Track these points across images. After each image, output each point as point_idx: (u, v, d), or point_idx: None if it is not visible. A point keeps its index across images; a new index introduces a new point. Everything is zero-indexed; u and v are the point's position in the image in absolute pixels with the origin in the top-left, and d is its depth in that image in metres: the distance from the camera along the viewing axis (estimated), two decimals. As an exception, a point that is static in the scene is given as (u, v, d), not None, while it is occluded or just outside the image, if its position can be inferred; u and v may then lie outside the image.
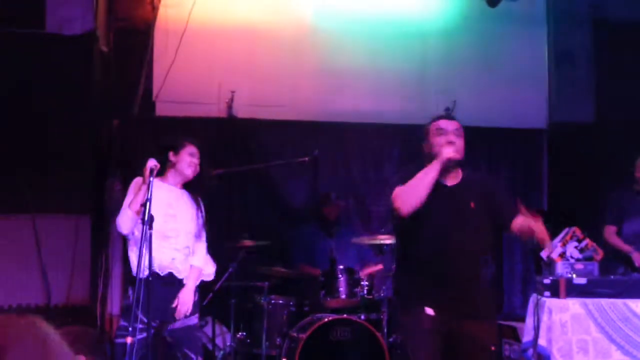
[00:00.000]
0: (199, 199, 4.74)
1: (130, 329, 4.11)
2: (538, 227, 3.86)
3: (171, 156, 4.64)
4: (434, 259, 3.93)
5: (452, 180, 4.03)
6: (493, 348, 6.04)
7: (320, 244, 6.49)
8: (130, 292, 4.43)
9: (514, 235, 4.08)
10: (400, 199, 3.84)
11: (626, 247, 5.88)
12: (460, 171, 4.07)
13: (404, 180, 3.95)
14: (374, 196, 7.21)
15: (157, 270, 4.37)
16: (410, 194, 3.83)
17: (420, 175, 3.86)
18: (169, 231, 4.48)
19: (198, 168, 4.70)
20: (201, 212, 4.70)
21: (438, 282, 3.92)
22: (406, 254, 4.15)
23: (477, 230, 3.98)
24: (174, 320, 4.49)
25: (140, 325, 4.19)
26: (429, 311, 3.91)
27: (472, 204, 3.97)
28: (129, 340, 4.05)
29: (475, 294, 3.98)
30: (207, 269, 4.87)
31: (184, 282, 4.55)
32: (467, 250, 3.95)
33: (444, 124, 4.02)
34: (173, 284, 4.50)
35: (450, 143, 3.92)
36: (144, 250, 4.10)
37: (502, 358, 6.21)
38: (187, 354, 4.50)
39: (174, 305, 4.48)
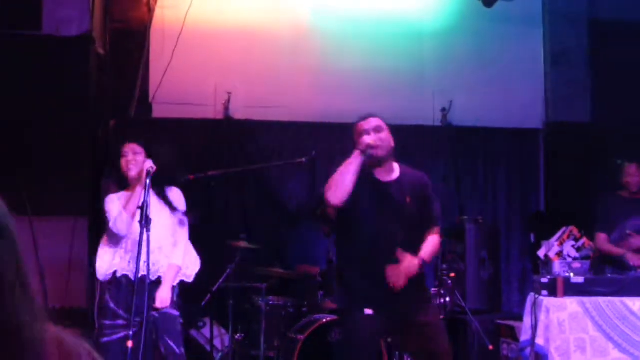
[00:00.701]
0: (168, 194, 4.70)
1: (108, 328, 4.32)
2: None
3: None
4: (368, 255, 3.99)
5: (387, 176, 4.10)
6: (491, 347, 6.11)
7: (318, 244, 6.48)
8: (106, 291, 4.48)
9: None
10: (329, 191, 3.96)
11: (618, 250, 5.88)
12: (395, 167, 4.15)
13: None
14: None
15: (129, 275, 4.41)
16: (336, 185, 3.94)
17: (342, 166, 3.97)
18: (140, 235, 4.48)
19: (140, 163, 4.57)
20: (176, 209, 4.68)
21: (374, 280, 3.95)
22: (342, 254, 4.24)
23: (412, 225, 4.06)
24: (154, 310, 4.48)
25: (121, 322, 4.27)
26: (368, 311, 3.94)
27: (408, 198, 4.05)
28: (130, 344, 4.09)
29: (412, 289, 3.98)
30: (190, 269, 4.84)
31: (161, 279, 4.55)
32: (401, 244, 3.98)
33: (363, 124, 4.11)
34: (153, 286, 4.49)
35: (373, 142, 4.00)
36: (141, 252, 4.19)
37: (500, 357, 6.21)
38: (169, 344, 4.48)
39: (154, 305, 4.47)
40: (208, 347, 6.06)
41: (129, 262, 4.46)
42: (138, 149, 4.66)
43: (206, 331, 6.21)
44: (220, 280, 5.96)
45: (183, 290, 6.69)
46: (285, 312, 6.09)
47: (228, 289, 5.93)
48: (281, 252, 6.66)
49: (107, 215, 4.52)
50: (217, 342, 6.13)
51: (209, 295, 5.98)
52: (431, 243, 4.09)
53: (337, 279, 4.34)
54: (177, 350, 4.50)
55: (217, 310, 6.09)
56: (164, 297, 4.50)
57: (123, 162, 4.62)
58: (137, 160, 4.61)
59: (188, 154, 6.99)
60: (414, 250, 4.03)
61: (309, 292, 6.17)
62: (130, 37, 7.09)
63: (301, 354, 5.52)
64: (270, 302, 6.05)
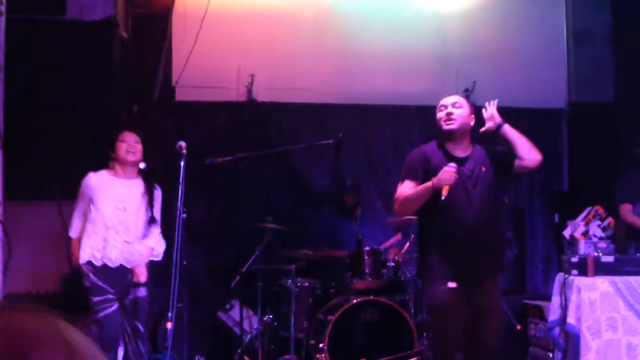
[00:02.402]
0: (154, 184, 4.96)
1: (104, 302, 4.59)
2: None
3: (110, 152, 4.89)
4: (451, 231, 4.17)
5: (463, 152, 4.33)
6: (519, 327, 6.14)
7: (345, 226, 6.51)
8: (90, 273, 4.61)
9: (520, 171, 4.46)
10: (399, 205, 4.31)
11: None
12: (469, 143, 4.40)
13: (408, 174, 4.36)
14: (395, 178, 7.20)
15: (108, 264, 4.56)
16: (408, 205, 4.29)
17: (419, 191, 4.19)
18: (119, 224, 4.70)
19: (139, 152, 4.88)
20: (155, 198, 4.91)
21: (457, 252, 4.13)
22: (425, 230, 4.39)
23: (491, 195, 4.26)
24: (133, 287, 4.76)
25: (111, 296, 4.60)
26: (452, 284, 4.07)
27: (484, 168, 4.26)
28: (169, 325, 4.19)
29: (492, 256, 4.24)
30: (158, 249, 5.04)
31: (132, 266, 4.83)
32: (481, 216, 4.18)
33: (444, 100, 4.41)
34: (125, 271, 4.77)
35: (448, 115, 4.31)
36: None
37: (528, 337, 6.24)
38: (135, 325, 4.79)
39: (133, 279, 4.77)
40: (237, 330, 6.10)
41: (105, 248, 4.68)
42: (138, 139, 4.93)
43: (235, 313, 6.24)
44: (249, 262, 5.99)
45: (210, 273, 6.78)
46: (314, 293, 6.12)
47: (256, 270, 5.97)
48: (309, 234, 6.67)
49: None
50: (245, 324, 6.16)
51: (237, 277, 6.01)
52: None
53: (420, 255, 4.51)
54: (142, 330, 4.81)
55: (246, 292, 6.12)
56: (142, 272, 4.77)
57: (123, 146, 4.79)
58: (136, 149, 4.88)
59: (212, 137, 7.01)
60: (493, 219, 4.25)
61: (337, 273, 6.20)
62: (153, 21, 7.06)
63: (332, 334, 5.56)
64: (299, 284, 6.07)
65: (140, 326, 4.79)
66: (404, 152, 7.31)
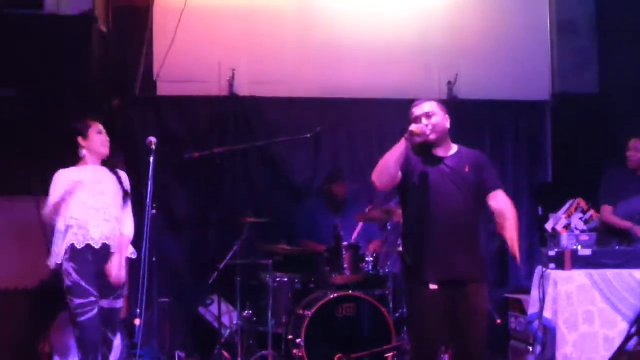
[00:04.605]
0: (118, 172, 4.95)
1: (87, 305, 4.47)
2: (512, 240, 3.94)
3: (81, 141, 4.80)
4: (430, 230, 4.04)
5: (445, 152, 4.17)
6: (499, 321, 6.12)
7: (325, 220, 6.47)
8: (71, 271, 4.54)
9: (489, 212, 4.13)
10: (375, 174, 4.08)
11: (625, 224, 5.85)
12: (453, 146, 4.22)
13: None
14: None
15: (92, 244, 4.52)
16: (381, 170, 4.05)
17: (389, 152, 4.04)
18: (98, 204, 4.68)
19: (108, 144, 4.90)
20: (123, 183, 4.89)
21: (436, 253, 4.00)
22: (407, 228, 4.27)
23: (472, 194, 4.09)
24: (111, 292, 4.66)
25: (93, 298, 4.49)
26: (433, 286, 3.97)
27: (467, 167, 4.11)
28: (137, 322, 4.17)
29: (472, 258, 4.06)
30: (130, 234, 4.98)
31: (113, 251, 4.71)
32: (462, 216, 4.05)
33: (415, 110, 4.18)
34: (106, 256, 4.66)
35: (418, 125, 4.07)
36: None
37: (508, 330, 6.22)
38: (108, 336, 4.71)
39: (111, 279, 4.65)
40: (216, 324, 6.08)
41: (89, 229, 4.61)
42: (103, 129, 4.92)
43: (214, 308, 6.23)
44: (228, 257, 5.97)
45: (190, 268, 6.76)
46: (293, 288, 6.11)
47: (235, 265, 5.94)
48: (287, 229, 6.64)
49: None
50: (225, 319, 6.15)
51: (216, 273, 5.99)
52: (511, 223, 4.00)
53: (402, 253, 4.37)
54: (111, 339, 4.75)
55: (225, 287, 6.10)
56: (119, 273, 4.66)
57: (100, 138, 4.82)
58: (107, 140, 4.90)
59: (193, 131, 6.98)
60: (474, 220, 4.11)
61: (316, 268, 6.17)
62: (134, 15, 7.03)
63: (309, 329, 5.54)
64: (278, 279, 6.06)
65: (111, 337, 4.74)
66: (386, 147, 7.30)
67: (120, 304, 4.78)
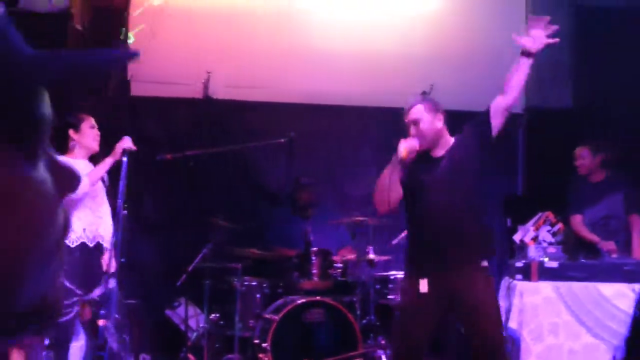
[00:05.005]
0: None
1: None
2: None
3: (72, 134, 4.78)
4: (427, 230, 4.03)
5: (441, 151, 4.13)
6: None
7: (295, 226, 6.47)
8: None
9: (497, 115, 4.24)
10: (378, 202, 4.11)
11: (593, 237, 5.92)
12: (449, 141, 4.17)
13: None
14: (351, 179, 7.21)
15: (87, 242, 4.48)
16: (379, 196, 4.07)
17: (381, 177, 4.05)
18: (91, 201, 4.70)
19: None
20: (104, 180, 4.90)
21: (432, 251, 3.99)
22: (408, 227, 4.29)
23: (469, 190, 4.06)
24: (98, 281, 4.64)
25: (75, 299, 4.35)
26: (423, 287, 3.94)
27: (460, 154, 4.07)
28: (101, 322, 4.13)
29: (467, 248, 4.03)
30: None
31: (106, 246, 4.71)
32: (457, 213, 4.01)
33: (405, 116, 4.15)
34: (98, 252, 4.66)
35: (406, 139, 4.06)
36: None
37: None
38: (112, 315, 4.63)
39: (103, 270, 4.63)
40: (183, 327, 6.06)
41: (84, 229, 4.52)
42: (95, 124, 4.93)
43: (181, 311, 6.20)
44: (196, 260, 5.95)
45: (159, 270, 6.73)
46: (261, 292, 6.10)
47: (204, 268, 5.93)
48: (259, 233, 6.64)
49: None
50: (192, 322, 6.13)
51: (184, 275, 5.97)
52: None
53: (405, 249, 4.39)
54: (119, 318, 4.72)
55: (193, 290, 6.08)
56: (111, 262, 4.64)
57: (93, 133, 4.74)
58: (99, 134, 4.94)
59: (168, 133, 6.96)
60: (472, 217, 4.05)
61: (285, 273, 6.17)
62: (110, 14, 7.01)
63: (276, 334, 5.53)
64: (246, 283, 6.05)
65: (117, 315, 4.67)
66: (362, 153, 7.33)
67: (112, 283, 4.68)
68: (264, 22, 7.30)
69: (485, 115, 4.15)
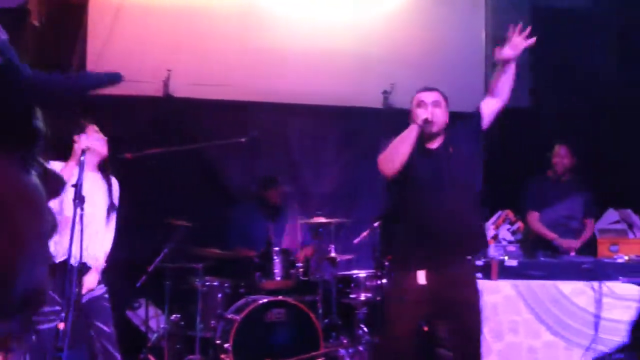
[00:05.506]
0: (111, 178, 4.75)
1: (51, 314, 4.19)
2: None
3: (78, 140, 4.58)
4: (421, 219, 4.04)
5: (435, 143, 4.17)
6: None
7: (257, 225, 6.45)
8: None
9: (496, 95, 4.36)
10: (384, 161, 4.06)
11: (551, 235, 6.00)
12: (443, 133, 4.21)
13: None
14: (313, 178, 7.21)
15: (70, 261, 4.29)
16: (392, 156, 4.02)
17: (400, 137, 4.04)
18: (82, 218, 4.32)
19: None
20: (112, 193, 4.69)
21: (426, 242, 4.01)
22: (397, 218, 4.25)
23: (461, 183, 4.12)
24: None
25: (58, 307, 4.20)
26: (421, 279, 3.96)
27: (451, 149, 4.12)
28: (61, 325, 4.01)
29: (458, 240, 4.07)
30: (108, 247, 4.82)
31: (90, 266, 4.54)
32: (451, 205, 4.03)
33: (423, 96, 4.20)
34: (82, 272, 4.44)
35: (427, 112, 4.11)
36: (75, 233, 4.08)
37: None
38: (100, 327, 4.47)
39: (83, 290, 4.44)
40: (143, 328, 6.00)
41: (70, 247, 4.30)
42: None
43: (141, 312, 6.14)
44: (157, 260, 5.89)
45: (118, 270, 6.63)
46: (223, 292, 6.07)
47: (164, 269, 5.87)
48: (220, 233, 6.59)
49: None
50: (152, 323, 6.08)
51: (144, 276, 5.90)
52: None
53: (390, 241, 4.41)
54: (107, 330, 4.49)
55: (153, 290, 6.02)
56: (91, 283, 4.48)
57: (101, 137, 4.73)
58: (106, 139, 4.79)
59: (126, 132, 6.85)
60: (467, 211, 4.09)
61: (247, 273, 6.14)
62: (68, 10, 6.89)
63: (237, 334, 5.51)
64: (207, 283, 6.01)
65: (103, 327, 4.49)
66: (323, 152, 7.34)
67: (98, 291, 4.54)
68: (225, 20, 7.26)
69: (478, 117, 4.28)
